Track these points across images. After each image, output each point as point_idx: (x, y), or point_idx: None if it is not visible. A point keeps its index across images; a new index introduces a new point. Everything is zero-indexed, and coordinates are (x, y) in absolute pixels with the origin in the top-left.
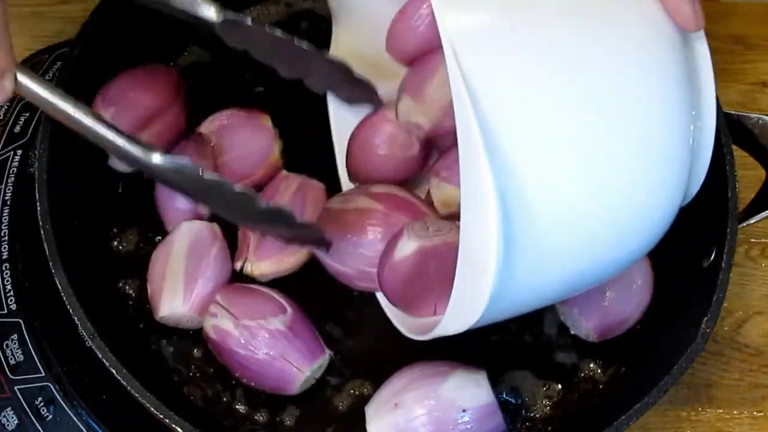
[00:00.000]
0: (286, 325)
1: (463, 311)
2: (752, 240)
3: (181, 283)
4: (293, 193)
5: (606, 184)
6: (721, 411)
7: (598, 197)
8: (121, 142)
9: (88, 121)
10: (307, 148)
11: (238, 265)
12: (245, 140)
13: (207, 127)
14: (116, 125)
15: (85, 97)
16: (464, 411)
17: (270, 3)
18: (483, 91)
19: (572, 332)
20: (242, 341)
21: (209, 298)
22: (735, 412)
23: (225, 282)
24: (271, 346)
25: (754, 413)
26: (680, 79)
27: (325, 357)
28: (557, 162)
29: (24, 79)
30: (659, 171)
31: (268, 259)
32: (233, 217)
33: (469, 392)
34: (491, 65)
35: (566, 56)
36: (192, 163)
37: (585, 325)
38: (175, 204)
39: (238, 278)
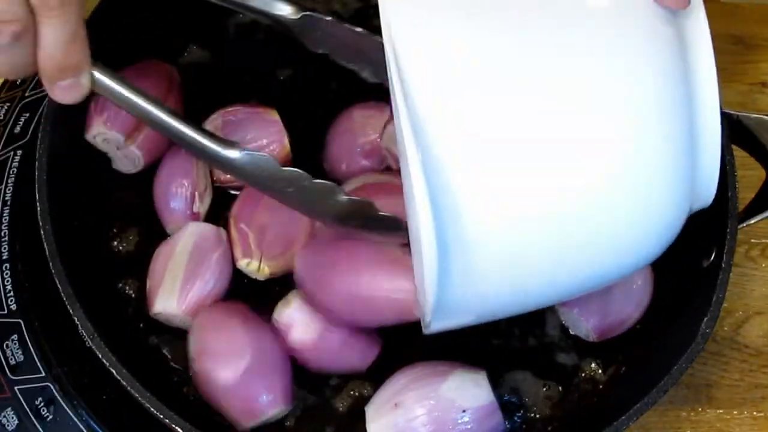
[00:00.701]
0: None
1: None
2: (752, 240)
3: (179, 282)
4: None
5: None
6: (721, 411)
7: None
8: (200, 138)
9: (166, 118)
10: (312, 143)
11: (243, 265)
12: (255, 134)
13: (212, 123)
14: (194, 123)
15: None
16: (464, 411)
17: None
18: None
19: (572, 332)
20: None
21: (204, 302)
22: (735, 412)
23: (225, 286)
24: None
25: (754, 413)
26: (666, 78)
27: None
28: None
29: (101, 77)
30: (636, 198)
31: (277, 258)
32: (311, 211)
33: (468, 392)
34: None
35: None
36: (269, 157)
37: (585, 325)
38: (171, 205)
39: (241, 278)
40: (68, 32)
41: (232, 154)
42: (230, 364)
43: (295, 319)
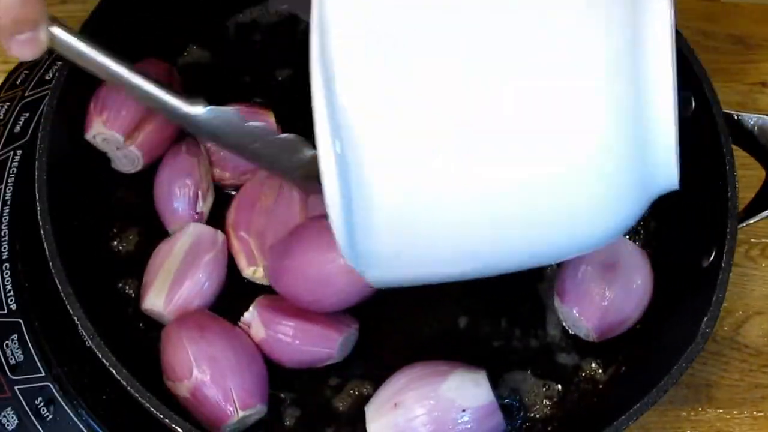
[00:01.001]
0: (189, 392)
1: None
2: (752, 240)
3: (169, 282)
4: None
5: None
6: (721, 411)
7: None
8: (163, 94)
9: (127, 74)
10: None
11: (249, 273)
12: None
13: None
14: (158, 79)
15: (85, 97)
16: (464, 411)
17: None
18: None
19: (571, 332)
20: None
21: (191, 304)
22: (735, 412)
23: (215, 290)
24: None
25: (754, 413)
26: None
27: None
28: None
29: (58, 32)
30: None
31: None
32: (279, 168)
33: (468, 392)
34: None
35: None
36: (234, 110)
37: (585, 325)
38: (173, 205)
39: (245, 286)
40: None
41: (197, 109)
42: (181, 381)
43: (252, 319)
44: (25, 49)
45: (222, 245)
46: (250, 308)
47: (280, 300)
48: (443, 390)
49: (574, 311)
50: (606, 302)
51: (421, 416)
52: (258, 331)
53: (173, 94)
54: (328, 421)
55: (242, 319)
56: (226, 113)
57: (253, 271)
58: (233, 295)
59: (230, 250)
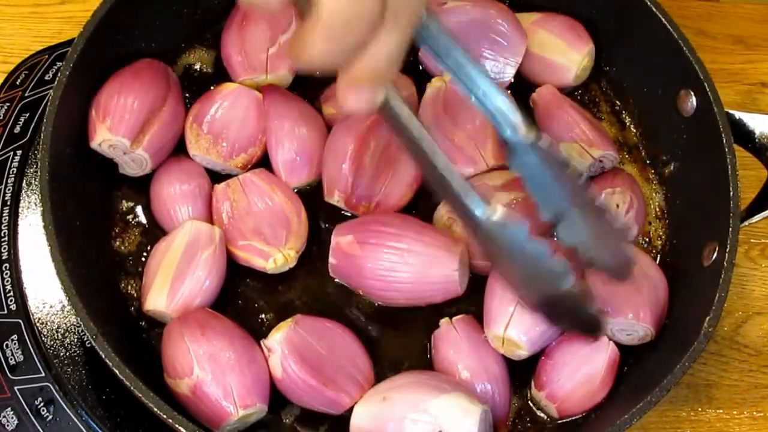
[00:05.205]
0: (190, 390)
1: None
2: (752, 240)
3: (170, 281)
4: None
5: None
6: (721, 411)
7: None
8: (465, 190)
9: (441, 160)
10: None
11: (271, 267)
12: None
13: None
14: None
15: (87, 97)
16: None
17: None
18: None
19: (624, 342)
20: None
21: (193, 301)
22: (735, 412)
23: (215, 287)
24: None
25: (754, 413)
26: None
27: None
28: None
29: (393, 100)
30: None
31: (291, 240)
32: (532, 288)
33: (454, 418)
34: None
35: None
36: (524, 223)
37: (643, 325)
38: (168, 210)
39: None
40: (401, 48)
41: (494, 214)
42: (182, 378)
43: (274, 350)
44: (357, 101)
45: (220, 240)
46: (278, 336)
47: (308, 343)
48: (432, 405)
49: (629, 316)
50: (651, 297)
51: (400, 419)
52: (275, 367)
53: (474, 191)
54: (327, 420)
55: (266, 342)
56: (515, 224)
57: (273, 262)
58: (238, 293)
59: (238, 260)
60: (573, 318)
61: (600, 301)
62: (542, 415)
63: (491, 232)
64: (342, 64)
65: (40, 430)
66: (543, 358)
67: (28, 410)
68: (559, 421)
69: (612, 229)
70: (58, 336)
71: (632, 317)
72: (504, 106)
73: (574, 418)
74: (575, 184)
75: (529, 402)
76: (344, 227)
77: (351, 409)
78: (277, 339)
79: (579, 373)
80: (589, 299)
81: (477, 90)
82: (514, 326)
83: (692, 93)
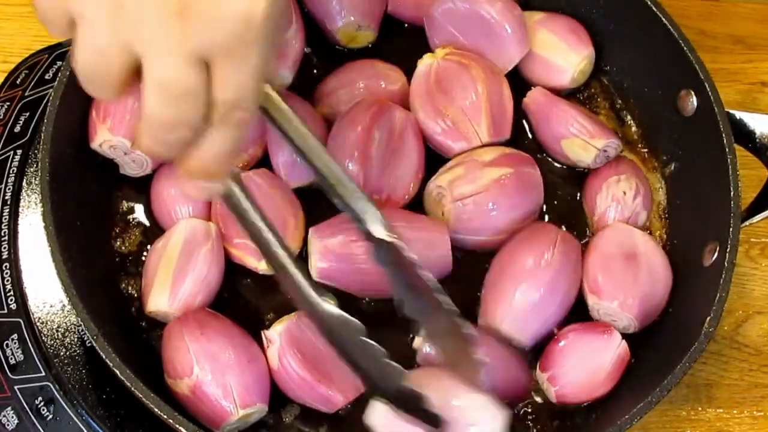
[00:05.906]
0: (189, 389)
1: None
2: (752, 240)
3: (170, 280)
4: None
5: None
6: (721, 411)
7: None
8: (304, 284)
9: (279, 251)
10: None
11: (263, 268)
12: None
13: None
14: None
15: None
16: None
17: None
18: None
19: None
20: None
21: (194, 299)
22: (735, 411)
23: (215, 283)
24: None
25: (754, 413)
26: None
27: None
28: None
29: (232, 191)
30: None
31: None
32: (372, 381)
33: (485, 418)
34: None
35: None
36: (357, 323)
37: (627, 315)
38: (169, 210)
39: (248, 284)
40: (232, 146)
41: (328, 307)
42: (182, 378)
43: (274, 341)
44: (195, 191)
45: (216, 236)
46: (279, 328)
47: (308, 338)
48: (463, 399)
49: (615, 304)
50: (640, 288)
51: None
52: (273, 358)
53: (310, 284)
54: (326, 418)
55: (266, 333)
56: (352, 323)
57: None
58: (238, 293)
59: (233, 258)
60: (418, 413)
61: (594, 281)
62: (538, 399)
63: (332, 325)
64: (174, 158)
65: (40, 429)
66: (552, 341)
67: (28, 410)
68: (558, 409)
69: (460, 333)
70: (58, 335)
71: (617, 305)
72: (368, 207)
73: (570, 414)
74: (428, 286)
75: None
76: (323, 229)
77: (348, 408)
78: (278, 330)
79: (586, 363)
80: (425, 400)
81: (342, 188)
82: (509, 320)
83: (693, 93)
